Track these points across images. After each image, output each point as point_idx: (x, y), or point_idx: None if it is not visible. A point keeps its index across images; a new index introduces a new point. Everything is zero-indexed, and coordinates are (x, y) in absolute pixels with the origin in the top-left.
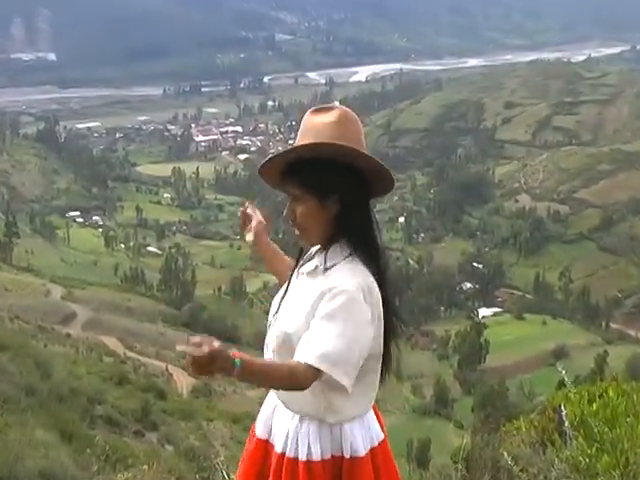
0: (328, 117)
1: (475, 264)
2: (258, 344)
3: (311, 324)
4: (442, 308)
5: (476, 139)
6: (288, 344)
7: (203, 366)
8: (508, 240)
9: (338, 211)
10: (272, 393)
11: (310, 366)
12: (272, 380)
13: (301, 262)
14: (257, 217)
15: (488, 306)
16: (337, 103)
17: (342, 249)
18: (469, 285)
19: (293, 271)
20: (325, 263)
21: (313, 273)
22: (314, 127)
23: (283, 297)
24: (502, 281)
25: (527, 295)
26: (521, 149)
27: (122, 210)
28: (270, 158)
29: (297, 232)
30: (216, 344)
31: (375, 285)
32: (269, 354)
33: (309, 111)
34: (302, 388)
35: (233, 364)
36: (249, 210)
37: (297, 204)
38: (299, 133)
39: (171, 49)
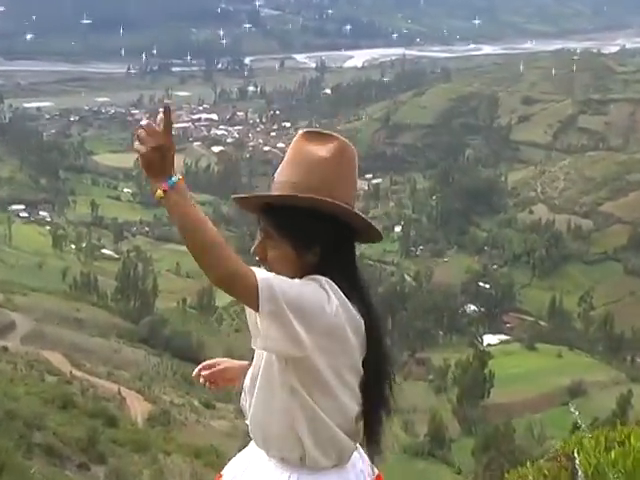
0: (323, 150)
1: (481, 284)
2: None
3: None
4: (441, 333)
5: (488, 139)
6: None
7: (145, 143)
8: (520, 257)
9: (316, 262)
10: (253, 444)
11: (253, 276)
12: (197, 231)
13: None
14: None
15: (494, 333)
16: (336, 135)
17: None
18: (473, 308)
19: None
20: None
21: None
22: (305, 158)
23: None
24: (512, 304)
25: (540, 322)
26: (539, 152)
27: (74, 205)
28: (241, 198)
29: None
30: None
31: (359, 317)
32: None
33: (302, 133)
34: (223, 278)
35: (168, 177)
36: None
37: (270, 243)
38: (287, 156)
39: (138, 21)
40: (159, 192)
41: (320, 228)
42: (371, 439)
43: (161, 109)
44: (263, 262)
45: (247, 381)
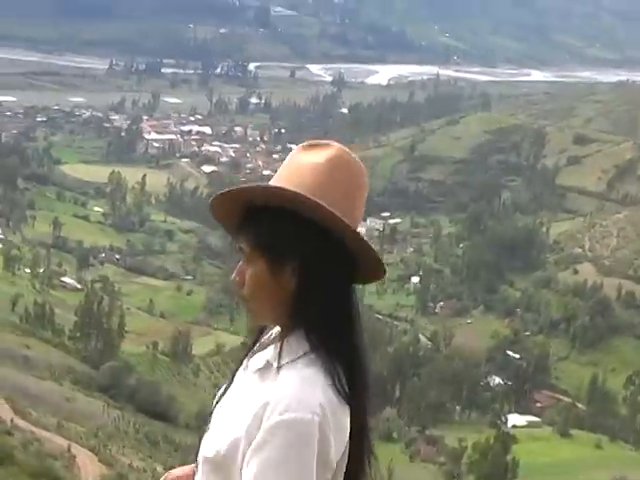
0: (316, 157)
1: (510, 352)
2: (200, 426)
3: (246, 464)
4: (458, 408)
5: (530, 181)
6: (221, 466)
7: None
8: (559, 325)
9: (295, 287)
10: None
11: None
12: None
13: (256, 348)
14: None
15: (522, 412)
16: (335, 143)
17: (300, 342)
18: (499, 380)
19: (244, 358)
20: (278, 360)
21: (263, 371)
22: (295, 165)
23: (222, 395)
24: (545, 380)
25: (578, 404)
26: (590, 202)
27: (33, 222)
28: (214, 199)
29: (245, 304)
30: None
31: (338, 402)
32: (198, 475)
33: (300, 145)
34: None
35: None
36: None
37: (248, 266)
38: (279, 170)
39: (126, 9)
40: None
41: (296, 236)
42: None
43: None
44: (241, 291)
45: None
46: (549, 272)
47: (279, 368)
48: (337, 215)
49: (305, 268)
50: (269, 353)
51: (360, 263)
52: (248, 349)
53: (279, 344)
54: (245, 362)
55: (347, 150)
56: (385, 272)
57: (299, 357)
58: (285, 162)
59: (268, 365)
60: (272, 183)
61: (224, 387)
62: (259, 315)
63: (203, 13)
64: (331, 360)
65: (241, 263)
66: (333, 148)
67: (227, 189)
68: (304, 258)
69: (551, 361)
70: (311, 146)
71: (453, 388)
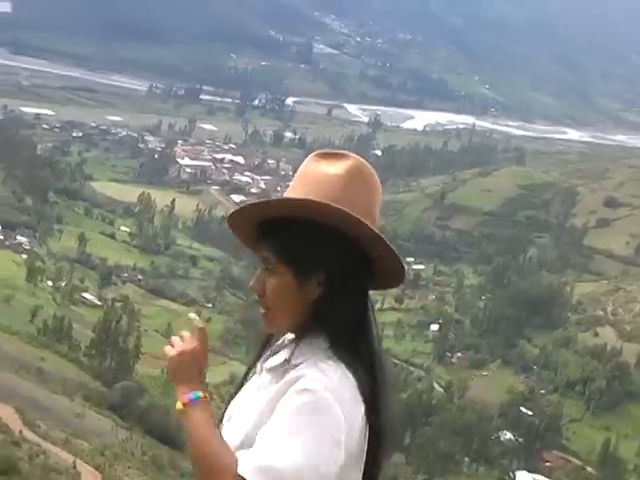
0: (335, 168)
1: (523, 409)
2: None
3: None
4: (467, 460)
5: (557, 240)
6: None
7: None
8: (575, 386)
9: (320, 296)
10: None
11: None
12: (202, 454)
13: (267, 354)
14: None
15: (530, 470)
16: (352, 154)
17: (319, 343)
18: (510, 436)
19: (253, 365)
20: (294, 358)
21: (278, 369)
22: (313, 176)
23: (232, 397)
24: (556, 440)
25: (587, 467)
26: (617, 266)
27: (60, 236)
28: (239, 209)
29: (262, 311)
30: (196, 350)
31: (354, 395)
32: None
33: (314, 154)
34: None
35: (193, 389)
36: None
37: (269, 275)
38: (294, 178)
39: (170, 33)
40: (179, 404)
41: (325, 247)
42: None
43: (196, 324)
44: (260, 299)
45: None
46: (569, 332)
47: (296, 365)
48: (366, 223)
49: (331, 279)
50: (284, 353)
51: (381, 270)
52: (258, 355)
53: (296, 344)
54: (259, 366)
55: (364, 161)
56: (404, 278)
57: (317, 356)
58: (300, 172)
59: (285, 363)
60: (290, 194)
61: (235, 389)
62: (278, 323)
63: (246, 44)
64: (352, 358)
65: (260, 272)
66: (351, 159)
67: (253, 202)
68: (330, 270)
69: (564, 421)
70: (325, 155)
71: (463, 440)
